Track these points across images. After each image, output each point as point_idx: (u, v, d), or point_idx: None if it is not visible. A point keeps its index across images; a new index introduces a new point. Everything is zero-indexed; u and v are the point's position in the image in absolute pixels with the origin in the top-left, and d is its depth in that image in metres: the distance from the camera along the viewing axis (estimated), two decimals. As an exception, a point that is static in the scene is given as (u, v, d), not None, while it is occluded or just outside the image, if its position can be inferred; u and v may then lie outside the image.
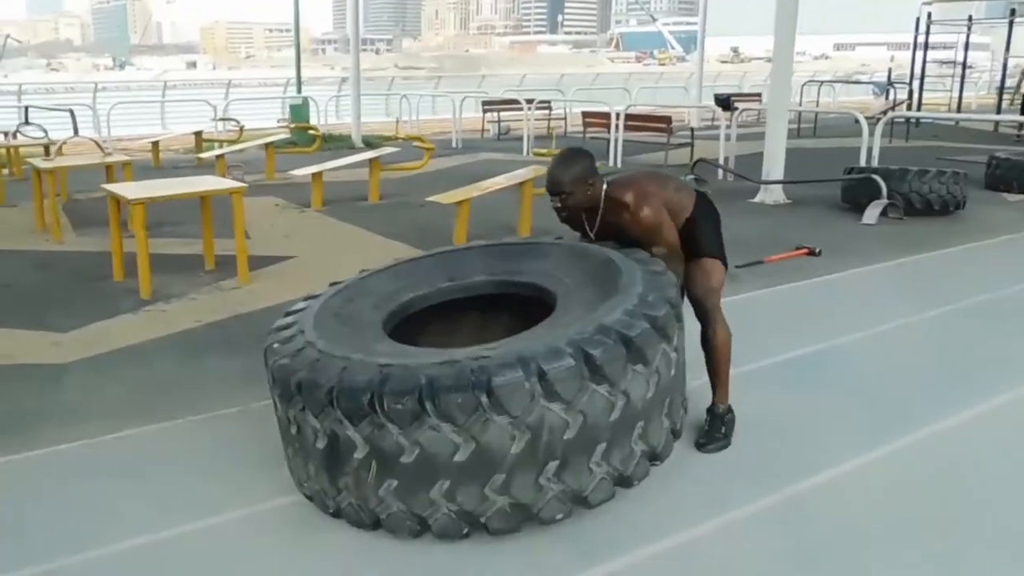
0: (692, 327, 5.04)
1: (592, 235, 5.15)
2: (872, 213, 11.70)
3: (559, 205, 4.95)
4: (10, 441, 5.29)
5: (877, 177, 12.01)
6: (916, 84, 26.28)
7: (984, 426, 5.48)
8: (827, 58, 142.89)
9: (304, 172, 13.54)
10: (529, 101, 21.00)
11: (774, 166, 13.20)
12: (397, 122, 26.10)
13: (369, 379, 3.89)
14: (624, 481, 4.25)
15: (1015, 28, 26.62)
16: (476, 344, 4.35)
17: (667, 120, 18.64)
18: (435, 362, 3.93)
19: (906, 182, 11.93)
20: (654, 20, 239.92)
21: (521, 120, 22.12)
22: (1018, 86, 30.34)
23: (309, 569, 4.05)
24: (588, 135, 19.67)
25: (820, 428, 5.41)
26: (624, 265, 4.66)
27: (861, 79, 43.73)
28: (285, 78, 32.06)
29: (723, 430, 5.21)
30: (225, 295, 8.48)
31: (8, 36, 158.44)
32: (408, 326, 5.02)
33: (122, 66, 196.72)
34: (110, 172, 11.76)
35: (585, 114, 20.31)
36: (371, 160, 14.05)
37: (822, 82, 30.94)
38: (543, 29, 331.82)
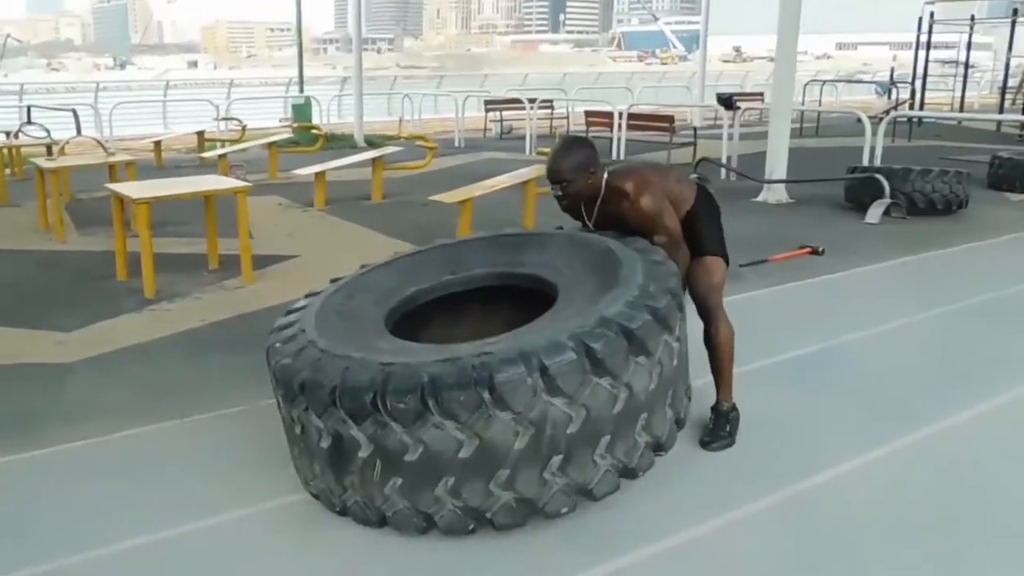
0: (694, 325, 5.04)
1: (591, 224, 5.14)
2: (875, 212, 11.70)
3: (559, 194, 4.94)
4: (15, 440, 5.31)
5: (880, 176, 12.01)
6: (918, 84, 26.27)
7: (986, 425, 5.49)
8: (829, 57, 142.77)
9: (307, 171, 13.55)
10: (532, 100, 21.00)
11: (777, 165, 13.21)
12: (400, 121, 26.09)
13: (371, 378, 3.89)
14: (629, 473, 4.25)
15: (1017, 28, 26.60)
16: (479, 336, 4.36)
17: (670, 119, 18.65)
18: (437, 359, 3.93)
19: (909, 181, 11.93)
20: (656, 19, 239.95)
21: (524, 119, 22.14)
22: (1020, 86, 30.39)
23: (316, 566, 4.06)
24: (591, 134, 19.44)
25: (822, 427, 5.41)
26: (624, 255, 4.65)
27: (863, 79, 43.70)
28: (286, 78, 32.10)
29: (727, 428, 5.20)
30: (229, 294, 8.50)
31: (8, 35, 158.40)
32: (410, 320, 5.02)
33: (123, 66, 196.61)
34: (113, 172, 11.74)
35: (588, 113, 20.28)
36: (374, 159, 14.06)
37: (824, 81, 30.94)
38: (545, 28, 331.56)
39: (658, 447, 4.39)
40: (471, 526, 4.09)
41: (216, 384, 6.15)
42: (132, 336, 7.27)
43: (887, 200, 11.79)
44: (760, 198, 13.33)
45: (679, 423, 4.59)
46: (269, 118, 26.26)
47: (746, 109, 19.60)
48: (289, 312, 4.86)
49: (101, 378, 6.40)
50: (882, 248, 10.14)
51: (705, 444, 5.13)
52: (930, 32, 25.72)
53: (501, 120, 24.73)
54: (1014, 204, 13.29)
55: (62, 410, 5.82)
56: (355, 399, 3.90)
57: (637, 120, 18.60)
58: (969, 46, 27.47)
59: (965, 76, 28.09)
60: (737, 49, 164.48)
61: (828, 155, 17.39)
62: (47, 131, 17.47)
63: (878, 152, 14.14)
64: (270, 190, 14.25)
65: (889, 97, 29.52)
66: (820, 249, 9.75)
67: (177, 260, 9.57)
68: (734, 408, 5.28)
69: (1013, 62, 26.67)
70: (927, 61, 25.75)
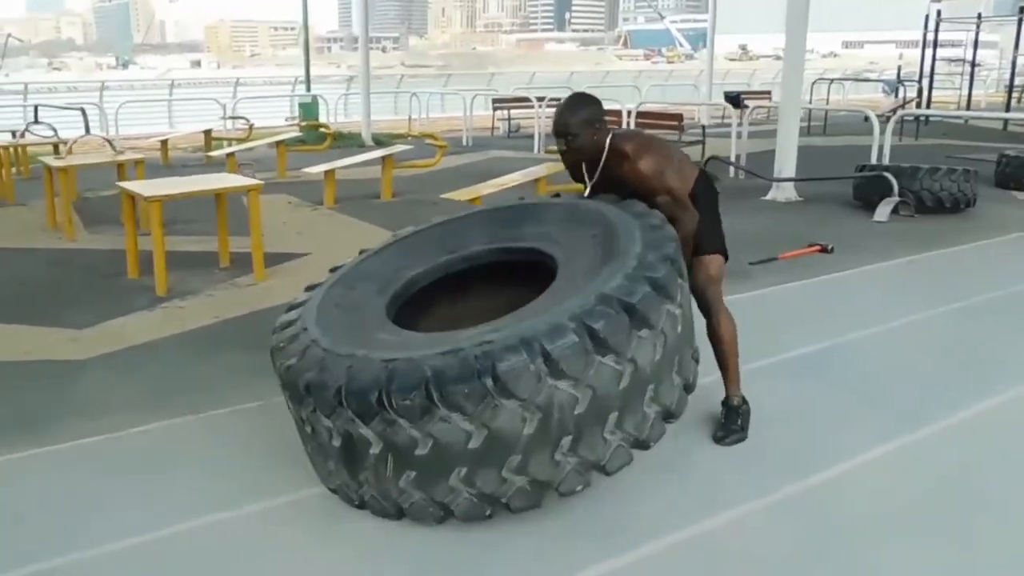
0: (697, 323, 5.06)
1: (591, 185, 5.11)
2: (884, 211, 11.71)
3: (564, 148, 4.93)
4: (30, 436, 5.34)
5: (888, 175, 12.02)
6: (925, 82, 26.26)
7: (992, 423, 5.51)
8: (836, 56, 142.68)
9: (316, 170, 13.55)
10: (540, 99, 20.99)
11: (786, 164, 13.22)
12: (409, 120, 26.10)
13: (375, 377, 3.88)
14: (641, 444, 4.24)
15: (1024, 25, 26.59)
16: (482, 315, 4.39)
17: (678, 118, 18.67)
18: (439, 352, 3.91)
19: (917, 180, 11.93)
20: (662, 18, 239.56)
21: (531, 118, 22.12)
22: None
23: (335, 559, 4.08)
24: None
25: (830, 424, 5.43)
26: (622, 222, 4.61)
27: (870, 77, 43.70)
28: (291, 76, 32.10)
29: (739, 422, 5.22)
30: (242, 292, 8.53)
31: (9, 35, 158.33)
32: (412, 304, 5.01)
33: (125, 65, 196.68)
34: (122, 170, 11.78)
35: (596, 112, 19.98)
36: (383, 158, 14.07)
37: (832, 80, 30.92)
38: (550, 27, 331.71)
39: (668, 415, 4.35)
40: (488, 511, 4.11)
41: (230, 381, 6.16)
42: (145, 333, 7.29)
43: (895, 198, 11.80)
44: (769, 196, 13.34)
45: (688, 388, 4.53)
46: (275, 117, 26.27)
47: (754, 107, 19.59)
48: (290, 308, 4.85)
49: (115, 375, 6.42)
50: (891, 246, 10.15)
51: (718, 439, 5.15)
52: (937, 30, 25.69)
53: (509, 119, 24.74)
54: (1021, 203, 13.28)
55: (76, 406, 5.84)
56: (361, 399, 3.90)
57: (646, 119, 18.59)
58: (976, 44, 27.42)
59: (972, 74, 28.05)
60: (743, 47, 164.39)
61: (836, 153, 17.42)
62: (54, 130, 17.49)
63: (886, 150, 14.15)
64: (279, 188, 14.26)
65: (896, 96, 29.51)
66: (829, 247, 9.77)
67: (188, 258, 9.59)
68: (744, 401, 5.29)
69: (1020, 60, 26.59)
70: (934, 59, 25.71)
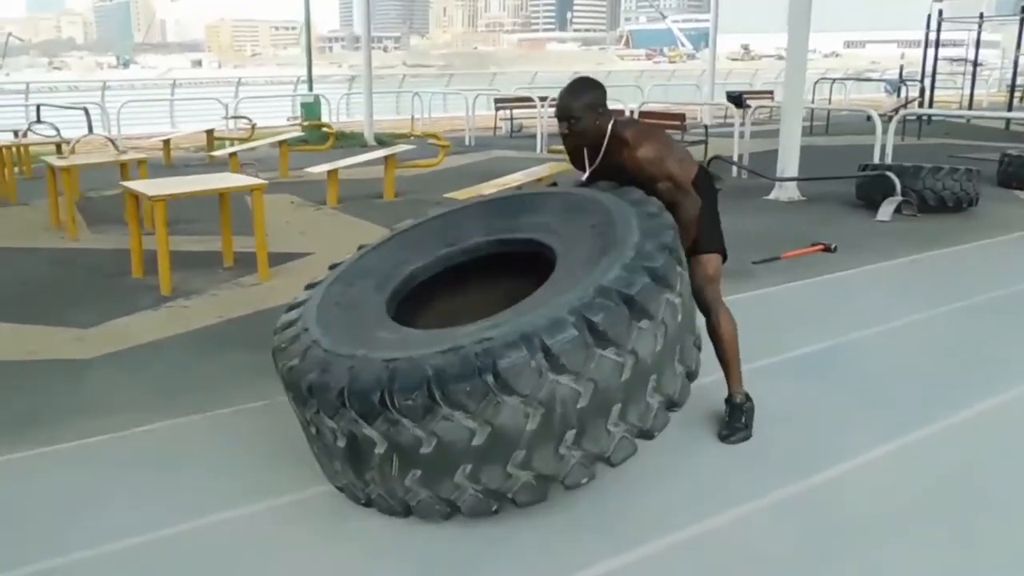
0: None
1: (591, 173, 5.10)
2: (886, 210, 11.71)
3: (566, 131, 4.93)
4: (38, 434, 5.35)
5: (891, 174, 12.02)
6: (927, 82, 26.25)
7: (995, 422, 5.51)
8: (837, 56, 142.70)
9: (319, 169, 13.56)
10: (542, 99, 20.98)
11: (789, 163, 13.22)
12: (412, 119, 26.09)
13: (377, 377, 3.88)
14: (645, 434, 4.23)
15: (1026, 25, 26.57)
16: (482, 308, 4.40)
17: (681, 117, 18.65)
18: (439, 351, 3.90)
19: (920, 179, 11.93)
20: (664, 17, 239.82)
21: (534, 118, 22.11)
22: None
23: (342, 558, 4.09)
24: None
25: (832, 423, 5.44)
26: (619, 212, 4.60)
27: (872, 77, 43.70)
28: (293, 76, 32.11)
29: (743, 420, 5.22)
30: (246, 291, 8.55)
31: (10, 34, 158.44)
32: (412, 299, 5.00)
33: (126, 64, 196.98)
34: (125, 170, 11.79)
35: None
36: (386, 157, 14.08)
37: (834, 80, 30.92)
38: (552, 27, 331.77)
39: (672, 405, 4.35)
40: (494, 507, 4.12)
41: (235, 380, 6.16)
42: (149, 333, 7.30)
43: (898, 198, 11.80)
44: (772, 196, 13.34)
45: (690, 376, 4.51)
46: (277, 117, 26.27)
47: (756, 107, 19.60)
48: (291, 308, 4.85)
49: (120, 374, 6.43)
50: (893, 245, 10.15)
51: (723, 438, 5.16)
52: (939, 30, 25.66)
53: (511, 118, 24.73)
54: (1023, 202, 13.28)
55: (81, 405, 5.85)
56: (363, 400, 3.90)
57: (649, 118, 18.52)
58: (978, 44, 27.41)
59: (974, 74, 28.04)
60: (745, 47, 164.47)
61: (838, 153, 17.43)
62: (57, 130, 17.51)
63: (889, 150, 14.16)
64: (281, 188, 14.29)
65: (899, 95, 29.48)
66: (832, 246, 9.78)
67: (192, 258, 9.62)
68: (747, 399, 5.29)
69: (1022, 60, 26.57)
70: (936, 59, 25.69)
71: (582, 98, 4.88)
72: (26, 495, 4.69)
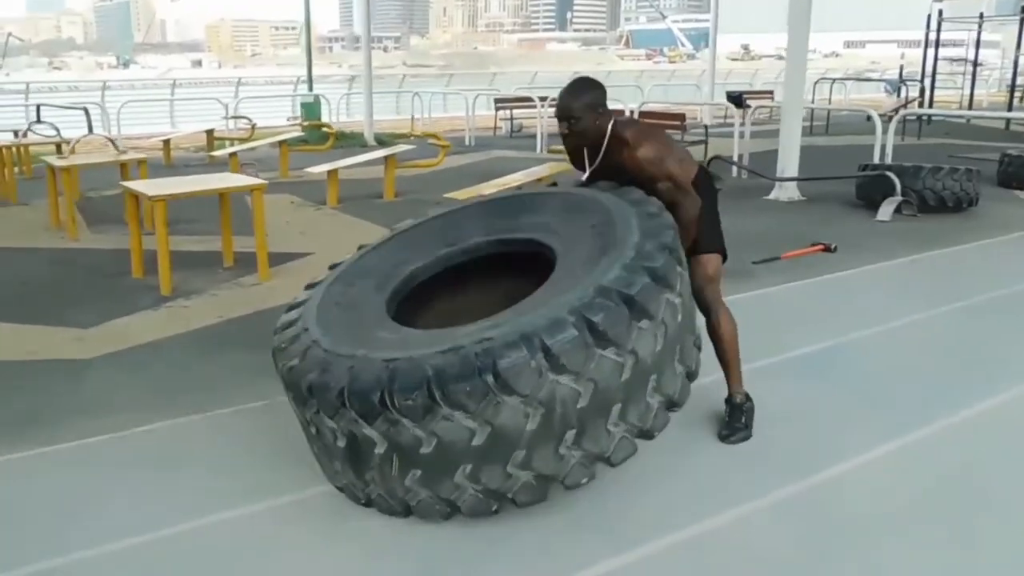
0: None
1: (591, 173, 5.10)
2: (886, 210, 11.71)
3: (566, 131, 4.92)
4: (38, 434, 5.35)
5: (891, 174, 12.02)
6: (927, 82, 26.25)
7: (995, 421, 5.52)
8: (837, 56, 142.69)
9: (319, 169, 13.56)
10: (542, 99, 20.97)
11: (789, 163, 13.22)
12: (412, 119, 26.08)
13: (377, 377, 3.88)
14: (645, 434, 4.23)
15: (1026, 25, 26.57)
16: (482, 308, 4.39)
17: (681, 117, 18.65)
18: (439, 351, 3.90)
19: (920, 179, 11.93)
20: (664, 17, 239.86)
21: (534, 118, 22.10)
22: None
23: (341, 557, 4.10)
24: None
25: (834, 422, 5.44)
26: (619, 212, 4.59)
27: (872, 77, 43.71)
28: (293, 76, 32.10)
29: (743, 420, 5.22)
30: (246, 291, 8.55)
31: (10, 34, 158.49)
32: (412, 299, 5.00)
33: (126, 64, 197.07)
34: (125, 170, 11.79)
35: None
36: (386, 157, 14.08)
37: (834, 80, 30.93)
38: (552, 26, 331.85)
39: (672, 404, 4.34)
40: (494, 507, 4.12)
41: (235, 380, 6.16)
42: (149, 333, 7.30)
43: (898, 198, 11.80)
44: (772, 196, 13.34)
45: (691, 376, 4.51)
46: (277, 117, 26.27)
47: (756, 107, 19.60)
48: (290, 308, 4.85)
49: (120, 374, 6.43)
50: (893, 245, 10.15)
51: (723, 438, 5.16)
52: (939, 30, 25.66)
53: (511, 118, 24.73)
54: (1023, 202, 13.28)
55: (81, 405, 5.85)
56: (363, 400, 3.90)
57: (649, 118, 18.52)
58: (978, 44, 27.40)
59: (974, 74, 28.04)
60: (745, 47, 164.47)
61: (838, 153, 17.43)
62: (57, 130, 17.51)
63: (889, 150, 14.16)
64: (281, 188, 14.28)
65: (899, 95, 29.49)
66: (832, 246, 9.78)
67: (191, 258, 9.62)
68: (747, 398, 5.29)
69: (1022, 60, 26.57)
70: (936, 59, 25.69)
71: (582, 98, 4.87)
72: (26, 495, 4.69)
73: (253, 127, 20.88)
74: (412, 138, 21.62)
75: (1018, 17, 26.75)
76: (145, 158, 12.37)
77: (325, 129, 21.79)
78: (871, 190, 12.33)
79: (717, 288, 5.17)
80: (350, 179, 14.43)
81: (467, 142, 22.08)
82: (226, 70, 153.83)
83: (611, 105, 5.05)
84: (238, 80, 30.97)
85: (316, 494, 4.58)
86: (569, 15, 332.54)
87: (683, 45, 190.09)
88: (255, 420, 5.49)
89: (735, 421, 5.22)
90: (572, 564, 3.97)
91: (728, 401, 5.29)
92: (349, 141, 21.73)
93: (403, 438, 3.92)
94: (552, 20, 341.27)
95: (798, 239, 10.14)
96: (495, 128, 24.98)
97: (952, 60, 36.78)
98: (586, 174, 5.14)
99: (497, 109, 24.84)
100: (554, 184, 5.40)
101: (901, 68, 34.59)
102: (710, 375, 5.26)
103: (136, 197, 9.03)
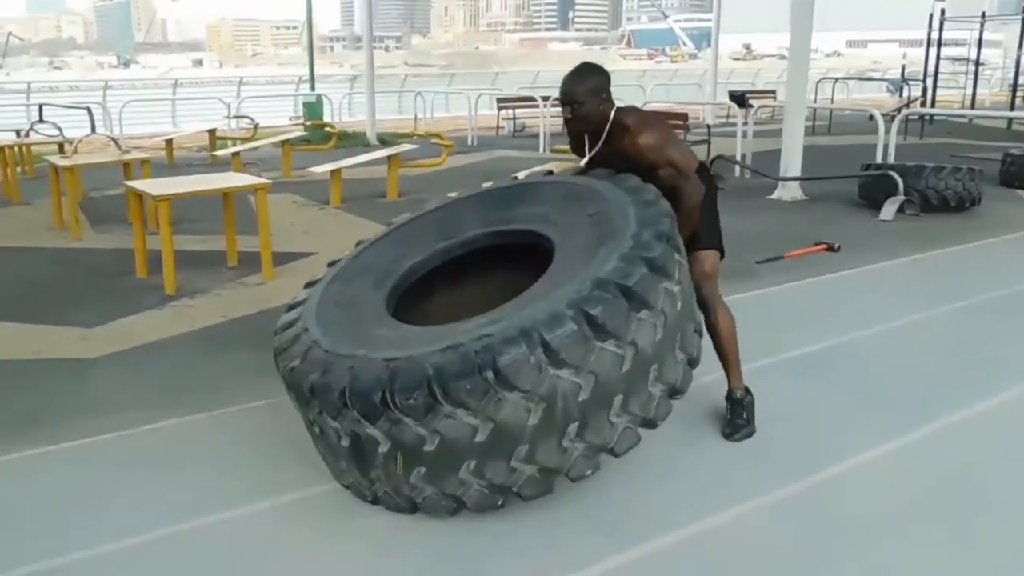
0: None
1: (590, 157, 5.09)
2: (889, 209, 11.72)
3: (569, 116, 4.93)
4: (41, 433, 5.37)
5: (894, 174, 12.03)
6: (930, 81, 26.25)
7: (995, 421, 5.53)
8: (839, 55, 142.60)
9: (322, 169, 13.57)
10: (545, 98, 20.96)
11: (791, 163, 13.22)
12: (415, 119, 26.08)
13: (377, 377, 3.89)
14: (648, 423, 4.24)
15: (1028, 25, 26.56)
16: (482, 299, 4.47)
17: (684, 117, 18.65)
18: (439, 349, 3.90)
19: (922, 179, 11.93)
20: (665, 17, 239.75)
21: (536, 117, 22.12)
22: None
23: (348, 554, 4.11)
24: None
25: (835, 422, 5.45)
26: (616, 200, 4.59)
27: (874, 76, 43.69)
28: (294, 76, 32.08)
29: (745, 416, 5.24)
30: (250, 291, 8.56)
31: (10, 34, 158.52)
32: (412, 294, 5.01)
33: (127, 64, 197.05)
34: (128, 170, 11.80)
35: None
36: (389, 157, 14.09)
37: (836, 79, 30.94)
38: (553, 26, 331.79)
39: (674, 392, 4.34)
40: (500, 501, 4.14)
41: (240, 379, 6.16)
42: (154, 332, 7.32)
43: (901, 197, 11.81)
44: (775, 195, 13.34)
45: (692, 363, 4.49)
46: (279, 116, 26.27)
47: (759, 107, 19.60)
48: (290, 308, 4.85)
49: (125, 374, 6.44)
50: (896, 245, 10.16)
51: (727, 436, 5.18)
52: (941, 29, 25.69)
53: (514, 118, 24.73)
54: (1026, 201, 13.30)
55: (86, 405, 5.86)
56: (365, 401, 3.91)
57: (651, 118, 18.56)
58: (980, 43, 27.42)
59: (976, 73, 28.05)
60: (747, 47, 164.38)
61: (841, 153, 17.42)
62: (59, 129, 17.51)
63: (891, 149, 14.16)
64: (284, 188, 14.28)
65: (901, 95, 29.49)
66: (836, 246, 9.79)
67: (195, 257, 9.62)
68: (747, 393, 5.30)
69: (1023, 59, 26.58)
70: (938, 58, 25.70)
71: (586, 83, 4.89)
72: (30, 494, 4.70)
73: (255, 127, 20.89)
74: (415, 137, 21.63)
75: (1020, 17, 26.75)
76: (148, 158, 12.38)
77: (328, 129, 21.79)
78: (874, 190, 12.34)
79: (715, 284, 5.18)
80: (353, 179, 14.44)
81: (470, 142, 22.08)
82: (227, 70, 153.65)
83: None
84: (240, 80, 30.95)
85: (321, 492, 4.59)
86: (571, 15, 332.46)
87: (685, 45, 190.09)
88: (260, 419, 5.50)
89: (737, 417, 5.24)
90: (576, 561, 3.99)
91: (728, 397, 5.31)
92: (351, 141, 21.72)
93: (406, 437, 3.93)
94: (554, 20, 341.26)
95: (801, 238, 10.15)
96: (498, 128, 24.99)
97: (954, 60, 36.78)
98: (585, 159, 5.14)
99: (500, 109, 24.84)
100: (550, 173, 5.37)
101: (903, 68, 34.58)
102: (711, 373, 5.31)
103: (140, 197, 9.04)
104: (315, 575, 3.99)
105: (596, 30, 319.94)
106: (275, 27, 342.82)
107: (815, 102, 25.57)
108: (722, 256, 5.24)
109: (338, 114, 27.83)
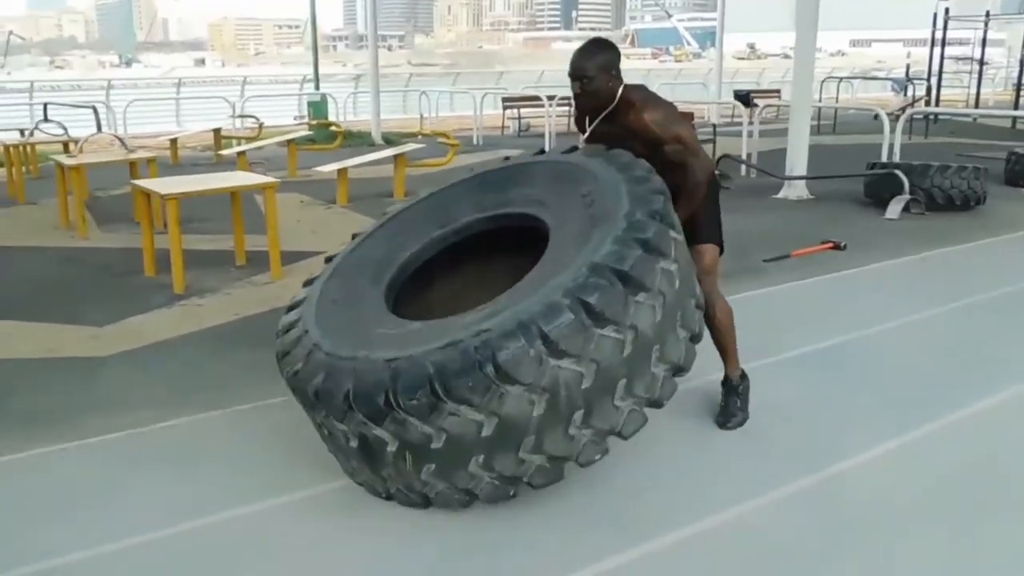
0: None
1: (589, 131, 5.10)
2: (895, 208, 11.74)
3: (579, 91, 4.92)
4: (59, 430, 5.39)
5: (899, 173, 12.05)
6: (934, 80, 26.26)
7: (1001, 416, 5.57)
8: (843, 55, 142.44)
9: (329, 168, 13.59)
10: (550, 97, 20.96)
11: (797, 162, 13.25)
12: (421, 118, 26.09)
13: (380, 379, 3.90)
14: (654, 404, 4.23)
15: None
16: (480, 285, 4.55)
17: (690, 116, 18.66)
18: (439, 347, 3.89)
19: (928, 177, 11.95)
20: (669, 16, 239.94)
21: (542, 117, 22.08)
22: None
23: (361, 551, 4.13)
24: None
25: (842, 417, 5.49)
26: (608, 179, 4.56)
27: (878, 75, 43.68)
28: (298, 75, 32.06)
29: (739, 403, 5.31)
30: (259, 289, 8.58)
31: (11, 33, 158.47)
32: (410, 283, 5.01)
33: (128, 63, 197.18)
34: (134, 169, 11.82)
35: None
36: (396, 156, 14.10)
37: (840, 78, 30.95)
38: (557, 25, 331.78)
39: (678, 370, 4.32)
40: (512, 492, 4.17)
41: (251, 377, 6.17)
42: (164, 331, 7.34)
43: (906, 196, 11.83)
44: (781, 194, 13.37)
45: (695, 339, 4.46)
46: (283, 115, 26.27)
47: (764, 106, 19.61)
48: (290, 308, 4.86)
49: (136, 372, 6.47)
50: (902, 243, 10.19)
51: (721, 424, 5.25)
52: (945, 28, 25.69)
53: (519, 117, 24.73)
54: (1031, 200, 13.31)
55: (99, 402, 5.89)
56: (368, 404, 3.92)
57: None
58: (984, 42, 27.41)
59: (980, 73, 28.04)
60: (751, 46, 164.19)
61: (846, 152, 17.45)
62: (64, 128, 17.53)
63: (896, 148, 14.17)
64: (290, 187, 14.27)
65: (905, 94, 29.49)
66: (842, 244, 9.81)
67: (203, 256, 9.65)
68: (743, 379, 5.37)
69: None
70: (942, 58, 25.71)
71: (596, 58, 4.88)
72: (44, 490, 4.73)
73: (260, 126, 20.89)
74: (420, 137, 21.62)
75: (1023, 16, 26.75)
76: (155, 157, 12.38)
77: (333, 128, 21.79)
78: (879, 188, 12.36)
79: (713, 280, 5.21)
80: (359, 178, 14.46)
81: (475, 141, 22.07)
82: (230, 69, 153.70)
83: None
84: (244, 79, 30.96)
85: (334, 489, 4.62)
86: (574, 14, 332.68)
87: (689, 44, 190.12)
88: (273, 416, 5.52)
89: (731, 405, 5.32)
90: (586, 555, 4.02)
91: (725, 383, 5.38)
92: (356, 140, 21.74)
93: (413, 436, 3.95)
94: (557, 19, 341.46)
95: (808, 237, 10.18)
96: (503, 127, 24.98)
97: (958, 59, 36.78)
98: (585, 135, 5.14)
99: (505, 108, 24.84)
100: (541, 152, 5.34)
101: (907, 67, 34.56)
102: (716, 373, 5.38)
103: (147, 195, 9.06)
104: (327, 571, 4.01)
105: (600, 29, 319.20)
106: (277, 26, 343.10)
107: (819, 101, 25.59)
108: (721, 252, 5.26)
109: (343, 113, 27.83)
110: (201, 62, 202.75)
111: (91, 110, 19.32)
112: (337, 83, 35.55)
